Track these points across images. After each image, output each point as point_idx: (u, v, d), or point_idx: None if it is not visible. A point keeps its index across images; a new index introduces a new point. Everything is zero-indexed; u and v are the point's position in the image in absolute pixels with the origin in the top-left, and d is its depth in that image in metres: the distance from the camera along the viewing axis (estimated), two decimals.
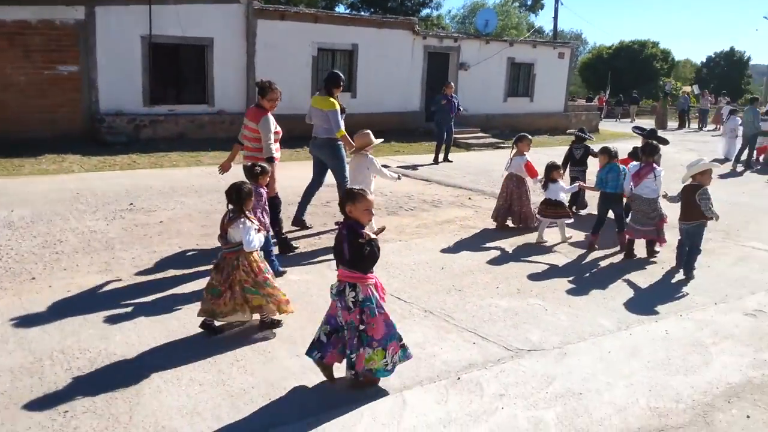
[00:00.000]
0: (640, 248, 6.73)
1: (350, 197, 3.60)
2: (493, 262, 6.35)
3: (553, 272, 6.05)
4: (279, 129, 6.09)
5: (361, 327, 3.59)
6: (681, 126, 27.95)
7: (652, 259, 6.62)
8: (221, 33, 15.52)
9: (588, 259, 6.60)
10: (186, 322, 4.52)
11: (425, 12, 43.01)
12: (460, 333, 4.55)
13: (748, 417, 3.54)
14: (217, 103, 15.69)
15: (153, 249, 6.25)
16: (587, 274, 6.05)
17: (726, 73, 47.70)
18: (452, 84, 14.86)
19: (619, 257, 6.68)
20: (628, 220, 6.81)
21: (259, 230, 4.46)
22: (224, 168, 6.40)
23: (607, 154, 7.00)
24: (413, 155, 14.47)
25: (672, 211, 6.63)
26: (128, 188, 9.11)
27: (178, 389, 3.60)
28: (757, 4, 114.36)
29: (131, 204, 8.10)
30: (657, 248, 6.72)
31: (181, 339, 4.27)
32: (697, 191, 5.92)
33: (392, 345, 3.66)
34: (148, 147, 13.19)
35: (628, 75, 42.21)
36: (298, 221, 7.41)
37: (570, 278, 5.89)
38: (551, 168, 7.28)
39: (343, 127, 6.91)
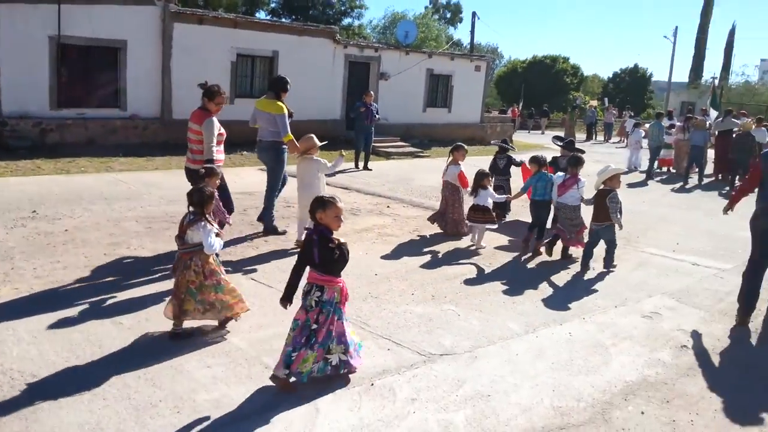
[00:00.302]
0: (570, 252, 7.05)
1: (321, 204, 3.74)
2: (410, 269, 6.46)
3: (467, 279, 6.23)
4: (223, 131, 6.12)
5: (314, 327, 3.74)
6: (588, 138, 29.45)
7: (569, 263, 7.02)
8: (135, 35, 14.96)
9: (500, 264, 6.84)
10: (90, 335, 4.34)
11: (346, 21, 43.25)
12: (375, 340, 4.61)
13: (642, 413, 3.77)
14: (130, 108, 15.10)
15: (57, 259, 5.94)
16: (499, 280, 6.25)
17: (630, 89, 50.67)
18: (372, 93, 15.02)
19: (534, 263, 6.97)
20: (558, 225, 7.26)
21: (218, 234, 4.51)
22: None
23: (537, 162, 7.44)
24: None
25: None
26: (31, 195, 8.60)
27: (80, 405, 3.45)
28: (659, 24, 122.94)
29: (34, 212, 7.65)
30: (570, 251, 7.20)
31: (84, 352, 4.09)
32: (608, 195, 6.53)
33: (321, 351, 3.77)
34: (55, 152, 12.50)
35: (540, 88, 44.03)
36: (271, 228, 7.41)
37: (482, 284, 6.10)
38: (481, 175, 7.59)
39: (290, 132, 6.96)
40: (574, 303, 5.66)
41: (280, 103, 7.06)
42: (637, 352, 4.66)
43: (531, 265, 6.92)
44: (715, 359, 4.63)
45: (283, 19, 38.86)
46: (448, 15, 65.84)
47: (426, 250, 7.29)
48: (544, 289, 6.04)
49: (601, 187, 6.68)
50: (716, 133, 15.57)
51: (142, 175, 11.09)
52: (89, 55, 14.49)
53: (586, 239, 7.01)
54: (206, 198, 4.45)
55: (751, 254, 5.50)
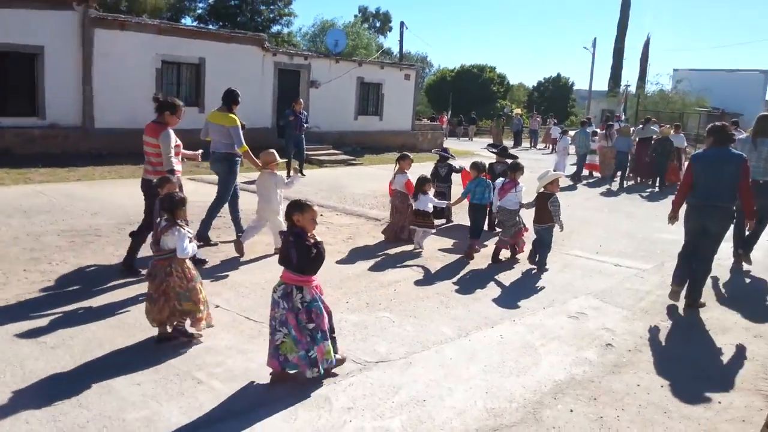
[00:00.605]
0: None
1: (298, 208, 3.94)
2: (344, 277, 6.47)
3: (401, 285, 6.29)
4: (179, 142, 6.23)
5: (311, 326, 3.93)
6: (515, 145, 30.38)
7: (513, 264, 7.39)
8: (53, 41, 14.32)
9: (434, 270, 6.95)
10: (11, 356, 4.11)
11: (276, 28, 42.93)
12: None
13: (571, 411, 3.91)
14: (49, 116, 14.43)
15: None
16: (433, 285, 6.36)
17: (554, 97, 52.66)
18: (302, 101, 14.98)
19: (468, 267, 7.11)
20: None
21: (191, 240, 4.61)
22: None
23: (477, 168, 7.85)
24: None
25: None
26: None
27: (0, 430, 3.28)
28: (579, 35, 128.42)
29: None
30: (517, 254, 7.61)
31: (5, 375, 3.88)
32: (549, 198, 7.00)
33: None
34: None
35: (469, 96, 45.13)
36: (204, 238, 7.35)
37: (416, 290, 6.18)
38: (423, 181, 7.85)
39: (244, 143, 7.13)
40: (505, 306, 5.82)
41: (232, 116, 7.19)
42: (564, 352, 4.83)
43: (465, 269, 7.06)
44: (638, 356, 4.85)
45: (210, 26, 38.16)
46: (378, 24, 66.51)
47: (360, 258, 7.32)
48: (476, 293, 6.18)
49: (542, 190, 7.11)
50: (637, 139, 16.50)
51: (63, 187, 10.61)
52: (3, 62, 13.77)
53: (526, 241, 7.45)
54: (176, 204, 4.58)
55: (684, 246, 6.16)
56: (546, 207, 7.02)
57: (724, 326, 5.61)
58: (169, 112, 6.13)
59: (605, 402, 4.06)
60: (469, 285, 6.44)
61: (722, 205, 5.72)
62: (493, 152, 9.36)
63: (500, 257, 7.45)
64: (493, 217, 8.58)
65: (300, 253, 3.88)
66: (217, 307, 5.32)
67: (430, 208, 7.85)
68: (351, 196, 11.53)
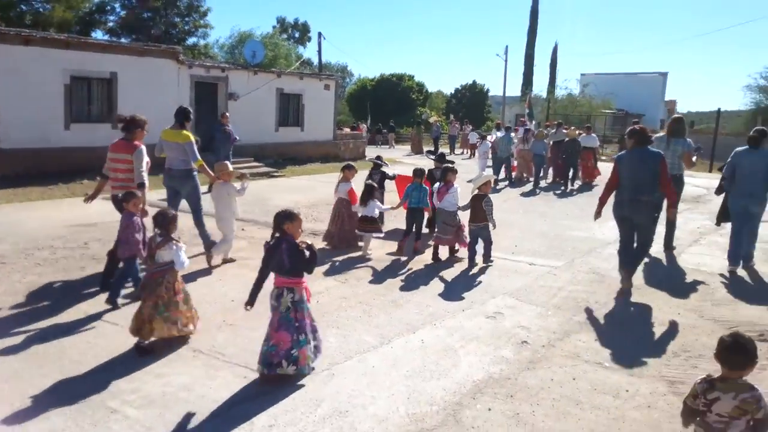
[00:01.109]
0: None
1: (288, 217, 4.34)
2: (266, 292, 6.32)
3: (323, 296, 6.30)
4: (148, 158, 6.57)
5: (296, 324, 4.27)
6: (435, 151, 31.04)
7: (455, 262, 7.92)
8: None
9: (357, 280, 6.98)
10: None
11: (192, 41, 41.98)
12: (231, 369, 4.53)
13: (489, 410, 4.05)
14: None
15: None
16: (353, 296, 6.39)
17: (470, 103, 54.10)
18: (227, 114, 14.77)
19: (390, 277, 7.20)
20: (435, 230, 8.17)
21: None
22: (91, 198, 6.89)
23: (416, 174, 8.35)
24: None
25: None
26: None
27: None
28: (493, 42, 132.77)
29: None
30: (458, 249, 8.12)
31: None
32: (483, 199, 7.60)
33: (309, 343, 4.37)
34: None
35: (389, 105, 45.69)
36: (211, 246, 7.59)
37: (338, 300, 6.20)
38: (370, 188, 8.26)
39: (199, 157, 7.38)
40: (426, 310, 5.94)
41: (186, 132, 7.36)
42: (483, 352, 4.99)
43: (386, 278, 7.12)
44: (552, 351, 5.08)
45: (123, 39, 36.89)
46: (297, 34, 66.25)
47: None
48: (398, 300, 6.27)
49: (476, 192, 7.71)
50: (551, 143, 17.36)
51: None
52: None
53: (467, 237, 7.89)
54: (170, 219, 4.93)
55: (620, 240, 6.87)
56: (481, 207, 7.57)
57: (630, 318, 5.96)
58: (140, 129, 6.53)
59: (521, 398, 4.23)
60: (392, 292, 6.53)
61: (645, 198, 6.41)
62: (431, 158, 9.75)
63: (439, 255, 7.91)
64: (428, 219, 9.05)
65: (293, 257, 4.24)
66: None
67: (376, 213, 8.24)
68: (275, 209, 11.29)
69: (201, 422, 3.76)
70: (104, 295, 5.87)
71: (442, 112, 47.64)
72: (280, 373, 4.24)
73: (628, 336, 5.47)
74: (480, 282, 7.03)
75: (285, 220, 4.32)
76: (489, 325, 5.63)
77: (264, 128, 20.95)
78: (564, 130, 17.85)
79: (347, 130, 30.12)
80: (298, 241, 4.35)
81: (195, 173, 7.49)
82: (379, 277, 7.15)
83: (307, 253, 4.29)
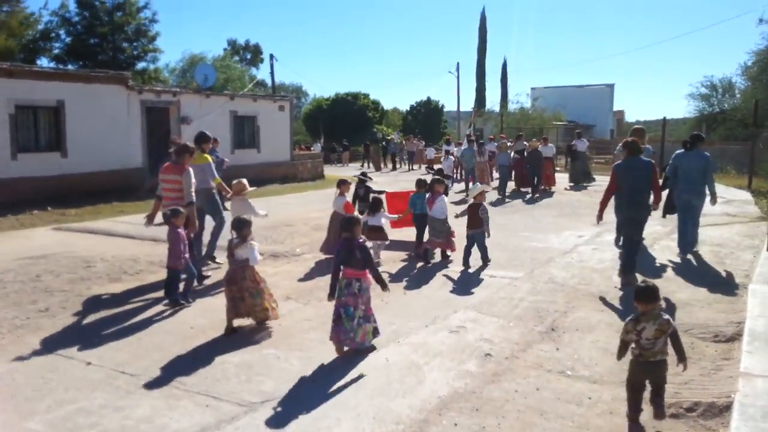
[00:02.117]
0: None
1: (356, 222, 5.36)
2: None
3: (285, 319, 6.20)
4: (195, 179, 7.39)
5: (362, 307, 5.20)
6: (394, 167, 31.27)
7: (447, 263, 8.73)
8: None
9: (318, 299, 6.88)
10: None
11: (141, 65, 41.29)
12: (191, 398, 4.43)
13: (455, 425, 4.04)
14: None
15: None
16: (314, 317, 6.30)
17: (426, 120, 54.61)
18: (217, 139, 14.71)
19: None
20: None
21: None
22: (149, 219, 7.53)
23: (419, 185, 9.41)
24: (140, 214, 13.61)
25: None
26: None
27: None
28: (445, 58, 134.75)
29: None
30: (449, 254, 8.99)
31: None
32: (479, 208, 8.42)
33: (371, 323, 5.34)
34: None
35: (346, 124, 45.80)
36: (211, 257, 8.51)
37: (300, 323, 6.14)
38: (377, 201, 8.93)
39: (217, 176, 8.39)
40: (390, 328, 5.91)
41: (205, 155, 8.23)
42: (447, 367, 5.00)
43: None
44: (515, 362, 5.12)
45: (69, 66, 36.07)
46: (249, 56, 66.03)
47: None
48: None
49: (471, 201, 8.60)
50: (513, 153, 18.48)
51: None
52: None
53: (455, 242, 8.77)
54: (245, 224, 5.92)
55: (621, 238, 7.98)
56: (476, 214, 8.38)
57: (590, 325, 6.07)
58: (188, 154, 7.36)
59: (487, 411, 4.24)
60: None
61: (641, 199, 7.39)
62: (431, 173, 10.79)
63: (429, 259, 8.79)
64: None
65: (365, 254, 5.19)
66: (89, 364, 5.01)
67: (383, 223, 8.81)
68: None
69: None
70: (57, 328, 5.68)
71: (399, 128, 48.00)
72: (347, 347, 5.20)
73: (588, 343, 5.57)
74: (442, 297, 7.06)
75: (354, 224, 5.28)
76: (452, 339, 5.65)
77: (220, 151, 20.72)
78: (525, 142, 19.39)
79: (301, 148, 30.16)
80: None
81: (214, 191, 8.32)
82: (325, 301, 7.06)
83: (368, 251, 5.32)
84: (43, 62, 37.39)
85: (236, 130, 21.67)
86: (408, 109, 58.13)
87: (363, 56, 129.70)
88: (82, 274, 7.84)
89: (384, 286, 5.45)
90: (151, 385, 4.66)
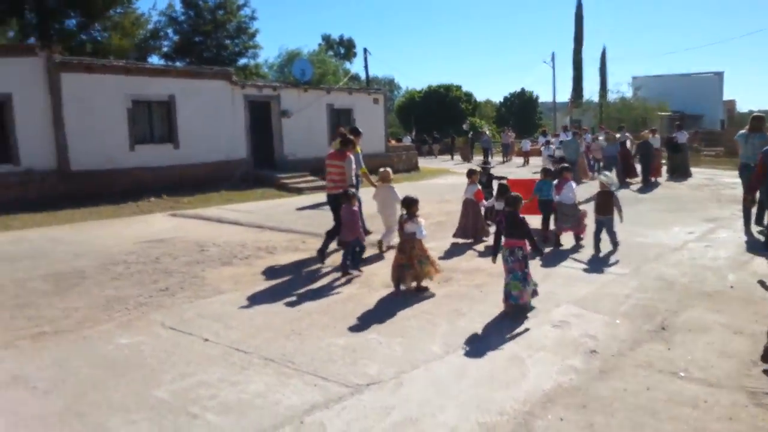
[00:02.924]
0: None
1: (519, 199, 6.31)
2: (331, 302, 6.53)
3: (387, 306, 6.35)
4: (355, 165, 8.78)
5: (526, 270, 5.99)
6: (486, 161, 31.03)
7: (579, 248, 8.96)
8: (20, 88, 14.35)
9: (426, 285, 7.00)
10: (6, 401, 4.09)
11: (243, 62, 43.08)
12: (301, 377, 4.63)
13: (561, 420, 3.98)
14: (24, 162, 14.36)
15: None
16: (416, 305, 6.40)
17: (520, 111, 53.54)
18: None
19: (448, 287, 7.20)
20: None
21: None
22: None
23: (544, 172, 9.96)
24: (246, 202, 14.36)
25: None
26: None
27: None
28: (540, 49, 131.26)
29: None
30: (582, 237, 9.24)
31: None
32: (610, 195, 8.68)
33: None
34: None
35: (438, 116, 45.72)
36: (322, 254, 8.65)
37: (402, 310, 6.23)
38: (504, 187, 9.20)
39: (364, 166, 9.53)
40: (490, 320, 5.91)
41: (357, 147, 9.41)
42: (551, 361, 4.93)
43: (447, 287, 7.10)
44: (622, 360, 4.96)
45: (178, 63, 38.21)
46: (342, 51, 67.21)
47: (343, 282, 7.39)
48: (460, 310, 6.26)
49: (600, 188, 8.83)
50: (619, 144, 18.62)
51: (45, 231, 10.57)
52: None
53: (587, 225, 9.12)
54: (413, 203, 6.84)
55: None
56: (606, 201, 8.62)
57: (704, 325, 5.77)
58: (351, 145, 8.65)
59: (594, 408, 4.15)
60: (454, 302, 6.53)
61: None
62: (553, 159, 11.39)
63: (561, 242, 9.14)
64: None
65: (525, 225, 6.05)
66: (206, 340, 5.36)
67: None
68: (332, 223, 11.53)
69: (275, 429, 3.86)
70: (169, 311, 6.10)
71: (493, 120, 47.31)
72: (512, 305, 5.97)
73: (702, 345, 5.31)
74: (544, 290, 6.94)
75: (519, 201, 6.24)
76: (555, 333, 5.56)
77: (317, 143, 21.27)
78: (627, 134, 19.70)
79: (394, 142, 30.45)
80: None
81: (359, 179, 9.42)
82: (443, 286, 7.15)
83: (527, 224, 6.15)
84: (154, 60, 39.85)
85: (333, 123, 22.17)
86: (501, 100, 57.11)
87: (455, 48, 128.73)
88: (197, 258, 8.36)
89: (540, 253, 6.84)
90: (264, 362, 4.92)
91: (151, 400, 4.26)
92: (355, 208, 7.74)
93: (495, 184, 10.82)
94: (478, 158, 32.37)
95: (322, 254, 8.17)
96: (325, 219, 11.86)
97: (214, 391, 4.41)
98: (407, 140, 34.33)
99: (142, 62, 24.22)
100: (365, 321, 5.92)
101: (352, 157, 8.51)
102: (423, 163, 27.49)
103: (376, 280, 7.39)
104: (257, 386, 4.47)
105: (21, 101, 14.34)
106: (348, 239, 7.69)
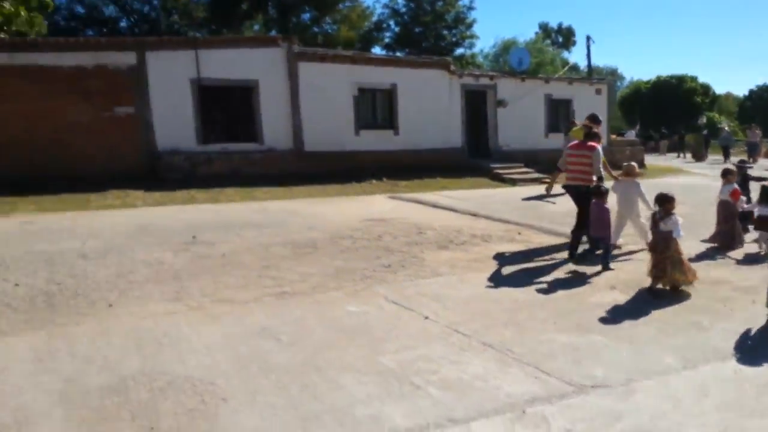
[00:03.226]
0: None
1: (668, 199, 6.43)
2: (549, 296, 6.36)
3: (613, 307, 5.99)
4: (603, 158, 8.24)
5: None
6: (725, 159, 27.70)
7: None
8: (265, 75, 16.16)
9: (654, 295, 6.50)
10: (254, 350, 4.67)
11: (459, 51, 43.74)
12: (521, 367, 4.58)
13: None
14: (267, 142, 16.24)
15: (218, 279, 6.50)
16: (650, 310, 5.94)
17: None
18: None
19: (692, 297, 6.58)
20: None
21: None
22: (550, 187, 9.37)
23: None
24: (459, 190, 14.63)
25: None
26: (189, 222, 9.53)
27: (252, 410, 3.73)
28: None
29: (194, 237, 8.45)
30: None
31: (250, 364, 4.41)
32: None
33: None
34: (205, 183, 13.80)
35: (668, 109, 41.92)
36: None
37: (631, 314, 5.83)
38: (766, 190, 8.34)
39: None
40: (736, 337, 5.26)
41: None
42: None
43: (699, 296, 6.43)
44: None
45: (398, 53, 40.07)
46: (560, 39, 64.66)
47: (564, 276, 7.15)
48: (700, 323, 5.64)
49: None
50: None
51: (283, 204, 11.87)
52: (226, 95, 15.80)
53: None
54: (667, 199, 6.47)
55: None
56: None
57: None
58: (597, 138, 8.30)
59: None
60: (693, 314, 5.92)
61: None
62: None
63: None
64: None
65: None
66: (426, 318, 5.56)
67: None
68: (548, 215, 11.28)
69: (496, 413, 3.86)
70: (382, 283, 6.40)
71: (734, 116, 42.14)
72: None
73: None
74: None
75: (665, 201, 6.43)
76: None
77: (533, 135, 20.89)
78: None
79: (613, 137, 28.61)
80: None
81: None
82: (658, 298, 6.56)
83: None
84: (376, 50, 42.26)
85: (550, 113, 21.52)
86: (746, 93, 50.53)
87: (689, 34, 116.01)
88: (415, 239, 8.71)
89: None
90: (482, 347, 4.95)
91: (377, 365, 4.52)
92: (607, 205, 7.52)
93: (752, 186, 9.76)
94: (713, 158, 29.18)
95: (573, 252, 7.93)
96: (541, 212, 11.65)
97: (435, 367, 4.55)
98: (630, 135, 31.98)
99: (367, 52, 25.75)
100: (587, 320, 5.65)
101: (600, 149, 8.14)
102: (649, 160, 25.49)
103: (600, 280, 7.03)
104: (476, 369, 4.52)
105: (265, 87, 16.16)
106: (599, 234, 7.53)
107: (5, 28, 17.34)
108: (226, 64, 15.44)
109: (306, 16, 39.53)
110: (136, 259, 7.23)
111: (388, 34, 44.46)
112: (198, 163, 14.92)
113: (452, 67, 19.62)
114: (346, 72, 17.35)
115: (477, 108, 19.96)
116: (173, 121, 14.82)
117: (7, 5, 16.77)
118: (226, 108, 15.88)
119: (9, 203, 11.13)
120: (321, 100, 16.71)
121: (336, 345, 4.92)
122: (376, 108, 18.34)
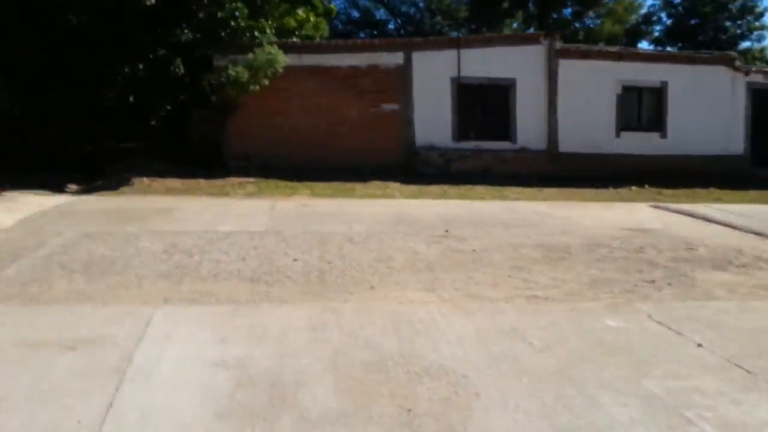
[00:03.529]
0: None
1: None
2: None
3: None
4: None
5: None
6: None
7: None
8: (523, 73, 16.02)
9: None
10: (507, 352, 4.59)
11: (744, 45, 38.44)
12: None
13: None
14: (520, 141, 16.14)
15: (469, 275, 6.58)
16: None
17: None
18: None
19: None
20: None
21: None
22: None
23: None
24: (738, 204, 12.82)
25: None
26: (441, 216, 9.86)
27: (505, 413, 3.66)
28: None
29: (446, 231, 8.70)
30: None
31: (500, 364, 4.34)
32: None
33: None
34: (456, 179, 14.23)
35: None
36: None
37: None
38: None
39: None
40: None
41: None
42: None
43: None
44: None
45: (669, 48, 36.70)
46: None
47: None
48: None
49: None
50: None
51: (533, 205, 11.67)
52: (483, 94, 16.02)
53: None
54: None
55: None
56: None
57: None
58: None
59: None
60: None
61: None
62: None
63: None
64: None
65: None
66: (699, 345, 4.92)
67: None
68: None
69: None
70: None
71: None
72: None
73: None
74: None
75: None
76: None
77: None
78: None
79: None
80: None
81: None
82: None
83: None
84: (643, 45, 39.21)
85: None
86: None
87: None
88: (684, 255, 7.82)
89: None
90: None
91: (641, 389, 4.12)
92: None
93: None
94: None
95: None
96: None
97: (711, 402, 3.99)
98: None
99: (634, 48, 23.99)
100: None
101: None
102: None
103: None
104: (766, 414, 3.86)
105: (522, 86, 16.01)
106: None
107: (297, 32, 19.78)
108: (485, 62, 15.68)
109: (567, 11, 38.34)
110: (394, 247, 7.67)
111: (658, 27, 41.01)
112: (451, 160, 15.42)
113: (737, 63, 17.29)
114: (609, 69, 16.42)
115: (766, 111, 17.30)
116: (432, 118, 15.51)
117: (300, 12, 19.12)
118: (482, 106, 16.12)
119: (291, 187, 12.79)
120: (579, 99, 16.05)
121: (592, 359, 4.61)
122: (642, 108, 17.01)
